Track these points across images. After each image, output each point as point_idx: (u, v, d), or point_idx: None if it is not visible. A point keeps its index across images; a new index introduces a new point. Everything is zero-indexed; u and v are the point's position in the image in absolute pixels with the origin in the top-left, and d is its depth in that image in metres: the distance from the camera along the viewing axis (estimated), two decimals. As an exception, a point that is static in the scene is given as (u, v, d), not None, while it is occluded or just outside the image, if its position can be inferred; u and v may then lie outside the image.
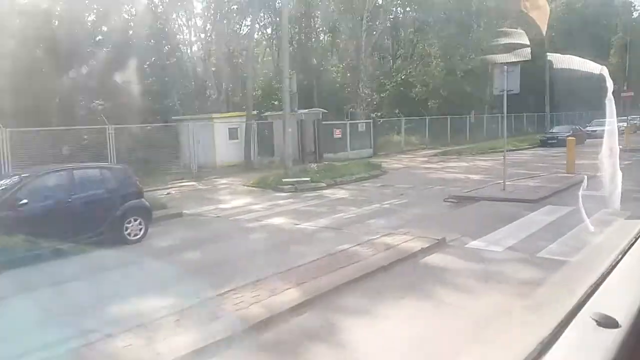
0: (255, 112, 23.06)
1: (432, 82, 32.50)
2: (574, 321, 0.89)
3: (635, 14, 53.72)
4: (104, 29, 22.63)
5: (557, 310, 0.93)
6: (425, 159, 22.58)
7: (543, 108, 39.78)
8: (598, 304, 0.94)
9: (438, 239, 7.29)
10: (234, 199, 12.97)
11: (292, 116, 20.64)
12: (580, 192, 3.17)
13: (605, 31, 47.53)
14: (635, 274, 1.15)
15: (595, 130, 30.75)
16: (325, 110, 24.52)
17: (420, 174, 16.88)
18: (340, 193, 13.35)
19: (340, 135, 23.42)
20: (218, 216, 10.76)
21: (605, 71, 2.28)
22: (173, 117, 21.59)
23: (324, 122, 22.85)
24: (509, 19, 31.93)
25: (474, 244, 7.38)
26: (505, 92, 11.36)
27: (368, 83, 29.90)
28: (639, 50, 44.34)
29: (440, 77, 32.48)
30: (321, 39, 37.45)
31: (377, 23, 30.86)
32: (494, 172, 15.43)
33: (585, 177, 3.34)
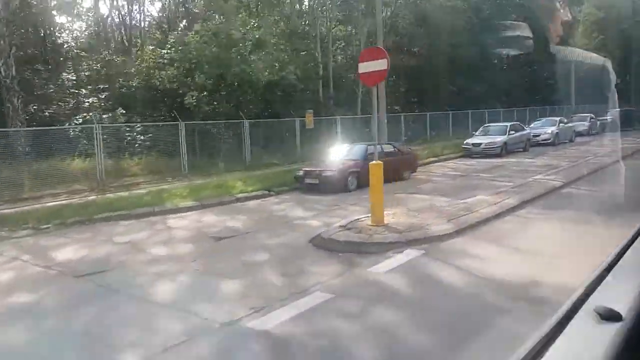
0: None
1: (189, 59, 19.68)
2: (577, 314, 0.90)
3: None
4: None
5: (560, 304, 0.96)
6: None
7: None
8: (601, 298, 0.95)
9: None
10: None
11: None
12: None
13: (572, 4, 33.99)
14: (638, 267, 1.17)
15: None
16: None
17: None
18: None
19: None
20: None
21: (608, 63, 2.24)
22: None
23: None
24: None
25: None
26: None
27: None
28: (618, 28, 33.62)
29: (199, 49, 19.44)
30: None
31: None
32: None
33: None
